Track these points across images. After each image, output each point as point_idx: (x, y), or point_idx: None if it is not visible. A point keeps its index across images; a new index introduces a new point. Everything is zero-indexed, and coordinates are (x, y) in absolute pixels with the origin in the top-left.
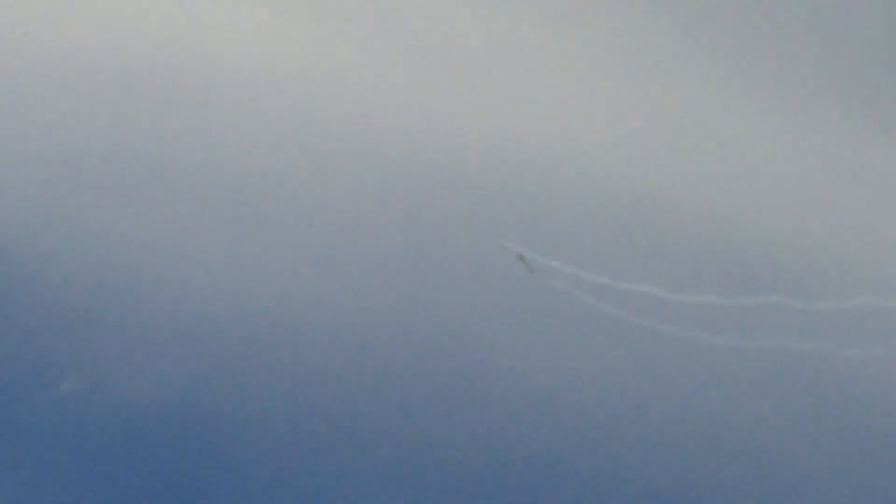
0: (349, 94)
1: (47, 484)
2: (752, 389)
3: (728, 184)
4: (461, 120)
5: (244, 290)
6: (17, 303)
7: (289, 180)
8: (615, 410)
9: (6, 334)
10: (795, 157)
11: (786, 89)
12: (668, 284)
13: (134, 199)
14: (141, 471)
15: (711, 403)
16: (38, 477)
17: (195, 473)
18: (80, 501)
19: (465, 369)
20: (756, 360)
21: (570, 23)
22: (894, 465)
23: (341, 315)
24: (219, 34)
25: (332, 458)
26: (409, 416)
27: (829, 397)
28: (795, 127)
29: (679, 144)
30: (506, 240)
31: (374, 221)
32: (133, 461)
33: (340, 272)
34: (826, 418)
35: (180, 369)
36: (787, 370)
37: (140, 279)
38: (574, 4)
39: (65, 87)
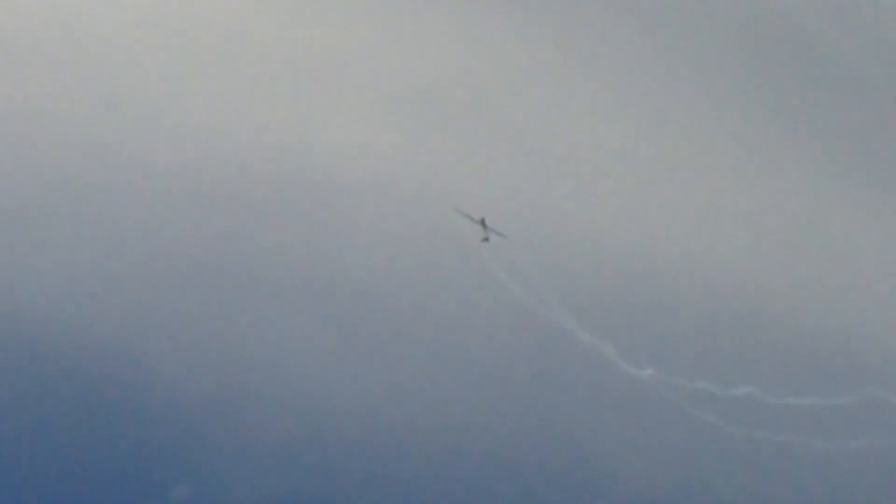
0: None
1: None
2: (861, 491)
3: (823, 282)
4: (573, 225)
5: (343, 400)
6: (131, 412)
7: (396, 291)
8: None
9: (120, 442)
10: (891, 253)
11: (887, 188)
12: (767, 387)
13: (242, 311)
14: None
15: None
16: None
17: None
18: None
19: (569, 475)
20: (862, 460)
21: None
22: None
23: (450, 428)
24: (328, 145)
25: None
26: None
27: None
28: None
29: (778, 248)
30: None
31: (480, 327)
32: None
33: (450, 383)
34: None
35: (286, 479)
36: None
37: (246, 390)
38: (669, 109)
39: (182, 200)
